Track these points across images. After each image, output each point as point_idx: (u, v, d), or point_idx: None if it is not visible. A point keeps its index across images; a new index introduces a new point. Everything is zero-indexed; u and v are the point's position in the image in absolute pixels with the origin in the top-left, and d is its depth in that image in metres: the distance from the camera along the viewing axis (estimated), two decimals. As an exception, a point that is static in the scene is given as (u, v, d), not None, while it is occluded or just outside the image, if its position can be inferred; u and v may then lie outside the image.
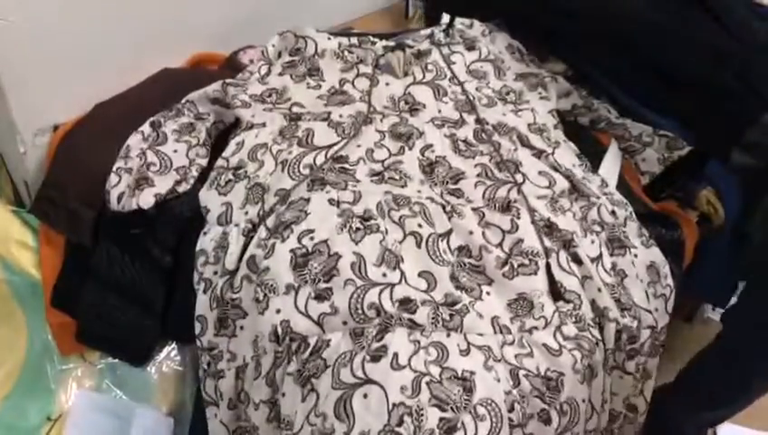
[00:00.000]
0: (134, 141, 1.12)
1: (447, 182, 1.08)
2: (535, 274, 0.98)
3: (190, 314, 1.00)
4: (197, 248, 1.02)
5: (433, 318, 0.91)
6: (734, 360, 1.13)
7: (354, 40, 1.27)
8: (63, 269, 1.14)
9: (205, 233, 1.03)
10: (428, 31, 1.33)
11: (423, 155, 1.11)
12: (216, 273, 1.00)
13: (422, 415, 0.83)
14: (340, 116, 1.15)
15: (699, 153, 1.21)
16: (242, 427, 0.97)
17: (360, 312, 0.90)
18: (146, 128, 1.14)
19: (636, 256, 1.04)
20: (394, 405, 0.83)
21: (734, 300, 1.24)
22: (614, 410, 1.04)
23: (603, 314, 0.97)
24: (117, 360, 1.15)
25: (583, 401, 0.92)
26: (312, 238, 0.96)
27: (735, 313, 1.16)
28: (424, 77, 1.25)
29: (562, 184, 1.09)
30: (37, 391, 1.15)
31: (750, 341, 1.09)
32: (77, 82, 1.19)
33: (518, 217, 1.04)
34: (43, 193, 1.14)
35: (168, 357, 1.14)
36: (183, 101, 1.19)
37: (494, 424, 0.84)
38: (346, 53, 1.26)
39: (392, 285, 0.93)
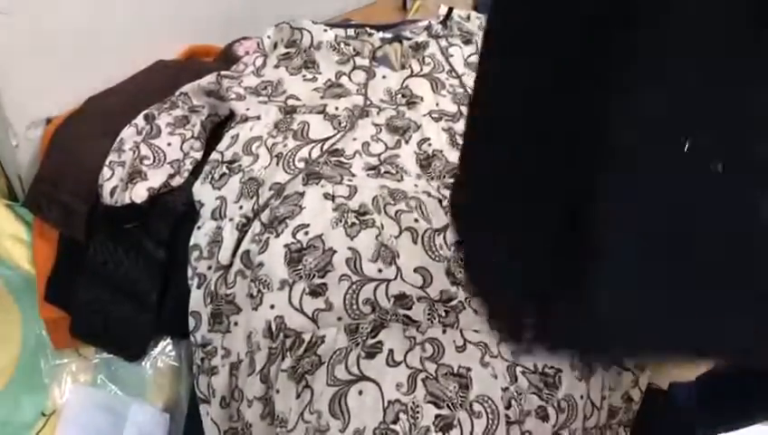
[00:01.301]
0: (127, 134, 1.11)
1: (444, 176, 1.07)
2: (533, 269, 0.97)
3: (185, 309, 1.00)
4: (191, 243, 1.01)
5: (429, 314, 0.90)
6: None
7: (351, 32, 1.26)
8: (57, 264, 1.13)
9: (199, 227, 1.02)
10: (426, 23, 1.32)
11: (420, 149, 1.10)
12: (209, 268, 0.99)
13: (418, 412, 0.82)
14: (336, 109, 1.14)
15: None
16: (233, 428, 0.96)
17: (355, 308, 0.89)
18: (139, 121, 1.13)
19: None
20: (389, 402, 0.82)
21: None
22: (613, 406, 1.03)
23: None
24: (111, 355, 1.14)
25: (581, 397, 0.91)
26: (306, 233, 0.95)
27: None
28: (422, 70, 1.24)
29: None
30: (31, 386, 1.14)
31: None
32: (70, 74, 1.18)
33: (516, 212, 1.03)
34: (35, 187, 1.13)
35: (164, 352, 1.13)
36: (177, 93, 1.17)
37: (490, 421, 0.83)
38: (342, 45, 1.24)
39: (388, 281, 0.92)
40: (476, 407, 0.84)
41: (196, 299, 0.98)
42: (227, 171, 1.07)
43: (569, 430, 0.90)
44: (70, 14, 1.13)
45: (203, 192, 1.06)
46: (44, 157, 1.15)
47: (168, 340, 1.13)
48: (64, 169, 1.12)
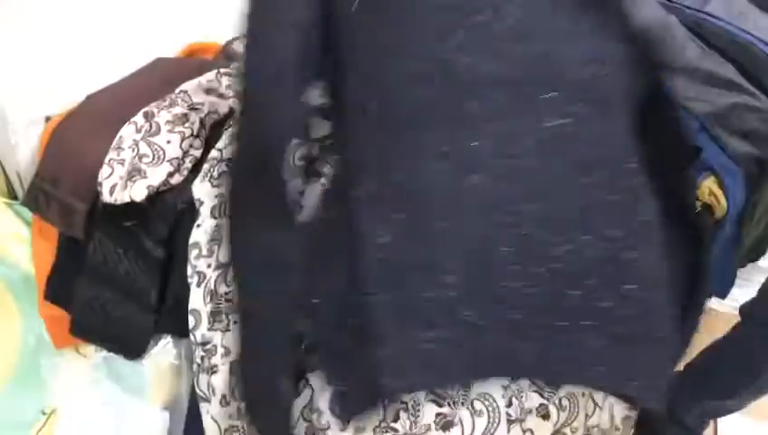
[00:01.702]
0: (127, 132, 1.10)
1: None
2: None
3: (184, 307, 0.99)
4: (191, 241, 1.00)
5: None
6: (745, 352, 1.12)
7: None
8: (56, 262, 1.13)
9: (198, 225, 1.02)
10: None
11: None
12: (209, 266, 0.98)
13: (418, 410, 0.81)
14: (336, 107, 1.14)
15: (688, 148, 1.19)
16: (234, 426, 0.96)
17: None
18: (139, 119, 1.12)
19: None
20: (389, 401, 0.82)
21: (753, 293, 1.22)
22: (623, 415, 1.01)
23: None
24: (111, 353, 1.14)
25: (583, 395, 0.91)
26: None
27: (754, 306, 1.15)
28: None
29: None
30: (31, 384, 1.14)
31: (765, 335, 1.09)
32: (69, 72, 1.17)
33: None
34: (35, 185, 1.12)
35: (163, 350, 1.13)
36: (177, 90, 1.16)
37: (491, 419, 0.83)
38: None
39: None
40: (477, 405, 0.83)
41: (196, 297, 0.97)
42: (227, 169, 1.07)
43: (570, 428, 0.90)
44: (69, 12, 1.13)
45: (202, 190, 1.05)
46: (43, 155, 1.15)
47: (168, 338, 1.13)
48: (63, 168, 1.11)
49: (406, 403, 0.82)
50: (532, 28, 0.80)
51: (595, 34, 0.82)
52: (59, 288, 1.11)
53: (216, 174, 1.06)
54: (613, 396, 0.96)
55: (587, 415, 0.92)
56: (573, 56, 0.80)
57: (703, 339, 1.25)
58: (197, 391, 0.98)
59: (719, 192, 1.19)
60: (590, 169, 0.80)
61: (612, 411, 0.98)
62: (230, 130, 1.12)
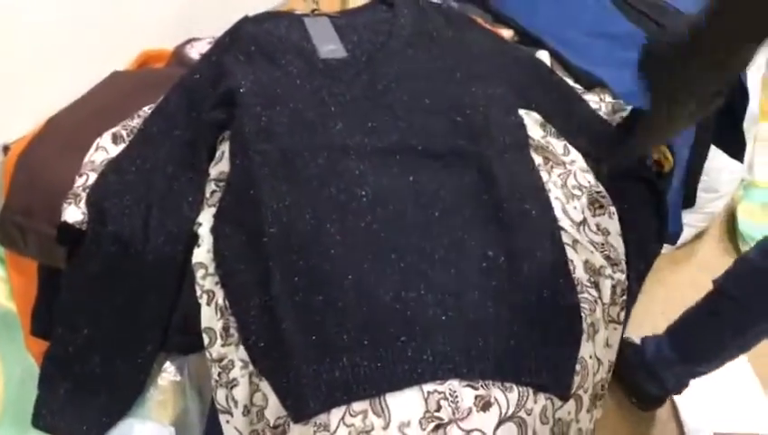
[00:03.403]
0: (99, 158, 1.07)
1: None
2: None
3: (186, 325, 0.99)
4: (194, 261, 0.99)
5: None
6: (718, 324, 1.23)
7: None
8: (39, 295, 1.08)
9: (199, 245, 1.01)
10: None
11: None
12: (217, 283, 0.98)
13: (457, 397, 0.86)
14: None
15: (639, 112, 1.27)
16: (254, 430, 0.97)
17: None
18: (107, 143, 1.09)
19: (613, 212, 1.10)
20: (429, 393, 0.86)
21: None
22: (611, 362, 1.10)
23: (599, 272, 1.02)
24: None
25: (590, 356, 0.98)
26: None
27: (725, 281, 1.25)
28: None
29: (536, 159, 1.14)
30: (26, 420, 1.10)
31: (742, 308, 1.19)
32: (24, 96, 1.11)
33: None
34: (6, 219, 1.07)
35: (164, 369, 1.11)
36: (145, 108, 1.13)
37: (521, 393, 0.88)
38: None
39: None
40: (507, 382, 0.89)
41: (208, 316, 0.97)
42: (216, 188, 1.06)
43: (583, 389, 0.96)
44: (16, 34, 1.07)
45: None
46: (10, 186, 1.09)
47: (169, 357, 1.11)
48: (35, 197, 1.06)
49: (443, 392, 0.86)
50: None
51: None
52: (45, 321, 1.07)
53: (207, 194, 1.06)
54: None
55: (594, 374, 1.00)
56: None
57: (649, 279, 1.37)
58: (217, 404, 0.98)
59: (665, 149, 1.28)
60: None
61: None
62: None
